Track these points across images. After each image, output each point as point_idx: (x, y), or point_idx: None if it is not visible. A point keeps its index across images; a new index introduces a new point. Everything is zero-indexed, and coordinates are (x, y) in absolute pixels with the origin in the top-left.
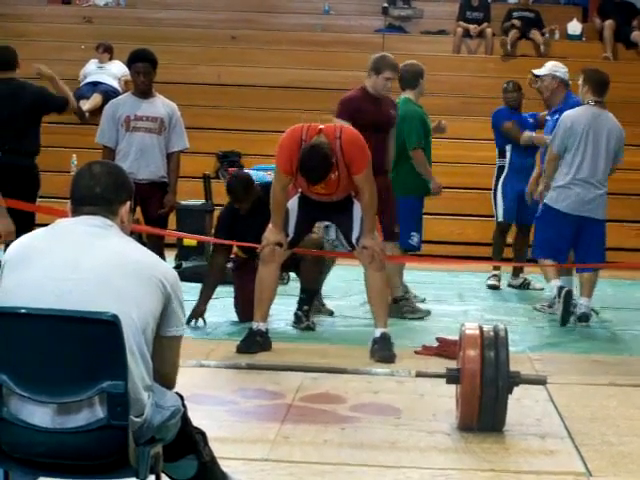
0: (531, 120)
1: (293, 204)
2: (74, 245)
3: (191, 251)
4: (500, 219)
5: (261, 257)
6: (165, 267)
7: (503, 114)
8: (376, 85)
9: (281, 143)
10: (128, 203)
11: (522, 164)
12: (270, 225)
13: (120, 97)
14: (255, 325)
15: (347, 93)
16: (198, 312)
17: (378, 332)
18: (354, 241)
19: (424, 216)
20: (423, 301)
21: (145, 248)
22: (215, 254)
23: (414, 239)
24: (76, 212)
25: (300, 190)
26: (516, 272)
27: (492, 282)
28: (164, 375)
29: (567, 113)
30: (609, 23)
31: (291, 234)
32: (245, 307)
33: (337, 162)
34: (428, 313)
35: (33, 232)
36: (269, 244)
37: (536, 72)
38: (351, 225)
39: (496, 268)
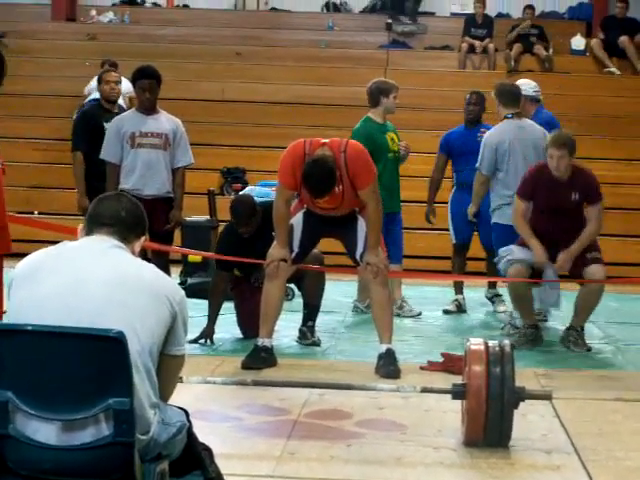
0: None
1: (298, 220)
2: (82, 263)
3: (196, 267)
4: (453, 240)
5: (266, 273)
6: (172, 285)
7: (447, 139)
8: None
9: (283, 157)
10: (142, 239)
11: (469, 182)
12: (275, 241)
13: (124, 114)
14: (260, 341)
15: None
16: (207, 333)
17: (383, 348)
18: (358, 257)
19: (425, 231)
20: (419, 315)
21: (153, 266)
22: (216, 278)
23: None
24: (91, 231)
25: (305, 205)
26: (492, 285)
27: (449, 307)
28: (160, 391)
29: (490, 133)
30: (595, 41)
31: (296, 249)
32: (247, 323)
33: (341, 176)
34: None
35: (43, 250)
36: (274, 260)
37: None
38: (355, 241)
39: (457, 292)
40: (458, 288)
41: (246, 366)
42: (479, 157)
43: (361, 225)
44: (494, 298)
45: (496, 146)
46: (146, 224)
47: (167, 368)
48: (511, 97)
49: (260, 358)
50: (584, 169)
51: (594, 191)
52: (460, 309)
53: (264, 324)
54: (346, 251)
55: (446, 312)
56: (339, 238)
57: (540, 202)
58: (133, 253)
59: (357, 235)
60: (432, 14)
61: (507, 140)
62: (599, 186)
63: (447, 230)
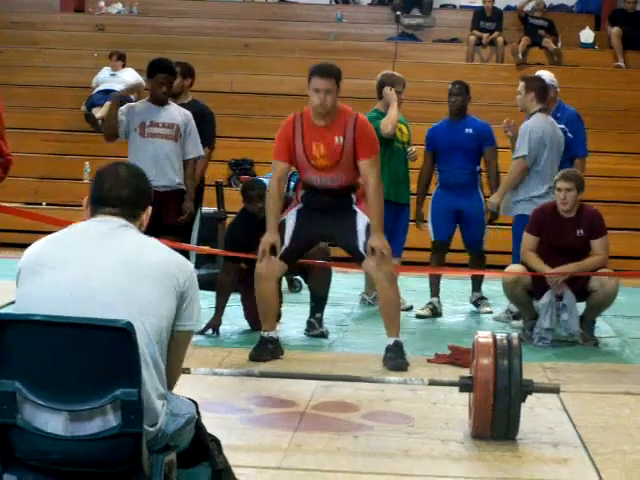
0: (469, 130)
1: (291, 215)
2: (88, 252)
3: (204, 259)
4: (432, 238)
5: (256, 274)
6: (180, 261)
7: (432, 135)
8: None
9: (278, 132)
10: (150, 208)
11: (453, 180)
12: (267, 229)
13: (136, 103)
14: (265, 334)
15: None
16: (214, 324)
17: (391, 340)
18: (361, 249)
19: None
20: (410, 308)
21: (159, 244)
22: (224, 270)
23: None
24: (96, 212)
25: (300, 198)
26: (476, 288)
27: (423, 312)
28: (166, 371)
29: (533, 124)
30: (616, 30)
31: (287, 242)
32: (254, 315)
33: (346, 131)
34: None
35: (47, 237)
36: (264, 245)
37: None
38: (355, 236)
39: (433, 294)
40: (434, 290)
41: (253, 358)
42: (522, 145)
43: (361, 217)
44: (479, 301)
45: (541, 135)
46: (150, 193)
47: (173, 344)
48: (544, 92)
49: (267, 350)
50: (589, 206)
51: (598, 226)
52: (435, 313)
53: (265, 319)
54: (345, 250)
55: (419, 317)
56: (336, 237)
57: (546, 239)
58: (141, 225)
59: (357, 228)
60: (454, 6)
61: (548, 132)
62: (604, 221)
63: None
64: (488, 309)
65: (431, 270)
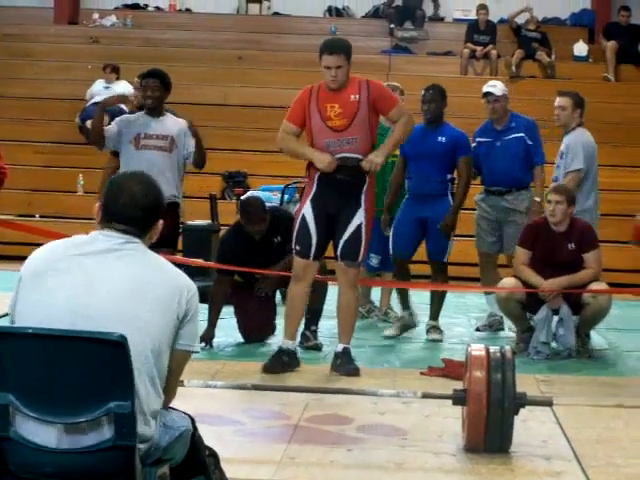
0: (442, 139)
1: (308, 210)
2: (93, 269)
3: (197, 271)
4: (391, 251)
5: (294, 274)
6: (185, 282)
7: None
8: None
9: (295, 99)
10: (160, 222)
11: (422, 189)
12: (312, 155)
13: (131, 115)
14: (284, 344)
15: None
16: (207, 337)
17: (340, 347)
18: (339, 247)
19: None
20: (401, 319)
21: (164, 262)
22: (217, 282)
23: (373, 261)
24: (105, 223)
25: (313, 183)
26: (434, 314)
27: (434, 336)
28: (163, 391)
29: (583, 137)
30: (611, 44)
31: (314, 238)
32: (248, 328)
33: (360, 90)
34: None
35: (52, 245)
36: (328, 162)
37: (494, 91)
38: (342, 233)
39: (404, 307)
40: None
41: (267, 370)
42: (576, 159)
43: (358, 215)
44: (430, 329)
45: (591, 150)
46: (162, 206)
47: (173, 362)
48: (584, 107)
49: (281, 361)
50: (580, 220)
51: (589, 239)
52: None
53: (288, 326)
54: (333, 241)
55: (387, 337)
56: (337, 222)
57: (539, 253)
58: (150, 238)
59: (349, 225)
60: (442, 19)
61: (594, 146)
62: (594, 234)
63: (465, 236)
64: (437, 337)
65: (422, 286)
